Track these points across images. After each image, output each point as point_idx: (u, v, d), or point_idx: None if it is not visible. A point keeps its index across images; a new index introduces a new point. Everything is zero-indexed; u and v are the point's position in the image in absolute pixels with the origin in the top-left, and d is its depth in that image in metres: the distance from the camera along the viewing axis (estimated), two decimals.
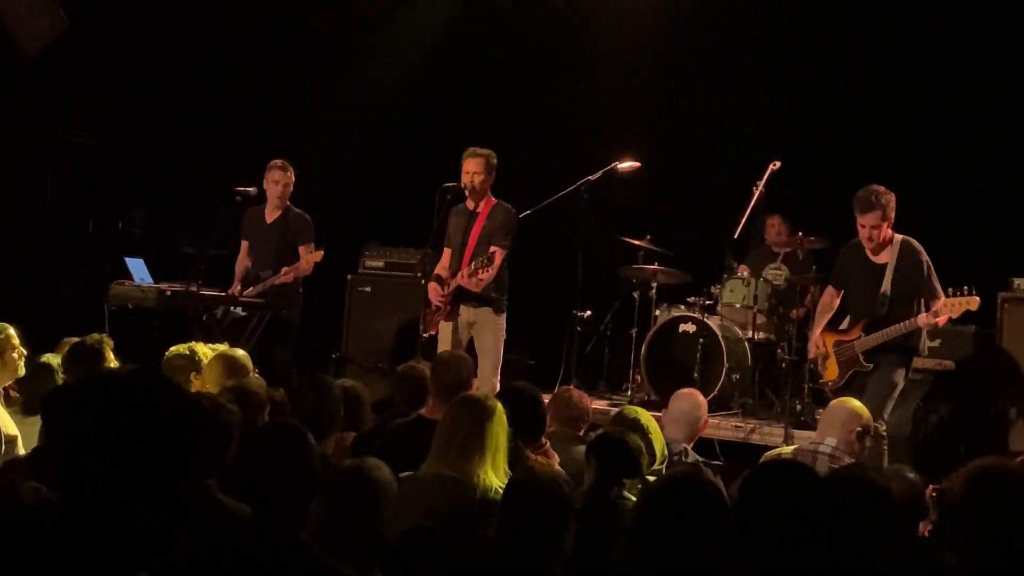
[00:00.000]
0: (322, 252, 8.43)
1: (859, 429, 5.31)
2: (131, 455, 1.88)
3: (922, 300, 6.87)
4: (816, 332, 7.29)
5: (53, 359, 5.80)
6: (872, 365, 6.93)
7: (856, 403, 5.62)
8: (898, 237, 6.95)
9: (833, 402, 5.91)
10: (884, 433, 6.77)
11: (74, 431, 1.92)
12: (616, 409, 8.62)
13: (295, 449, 3.20)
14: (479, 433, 4.35)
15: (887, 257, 6.94)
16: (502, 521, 3.51)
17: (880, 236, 6.88)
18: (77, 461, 1.90)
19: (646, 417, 5.30)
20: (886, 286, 6.90)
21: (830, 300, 7.32)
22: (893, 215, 6.87)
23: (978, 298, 6.62)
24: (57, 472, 1.92)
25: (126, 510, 1.88)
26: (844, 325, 7.19)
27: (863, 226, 6.90)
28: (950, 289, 6.69)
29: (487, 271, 7.45)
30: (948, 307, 6.65)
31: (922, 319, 6.75)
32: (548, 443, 5.17)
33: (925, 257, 6.91)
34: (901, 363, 6.95)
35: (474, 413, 4.41)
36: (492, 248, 7.53)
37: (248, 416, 4.28)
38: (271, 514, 3.09)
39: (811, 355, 7.38)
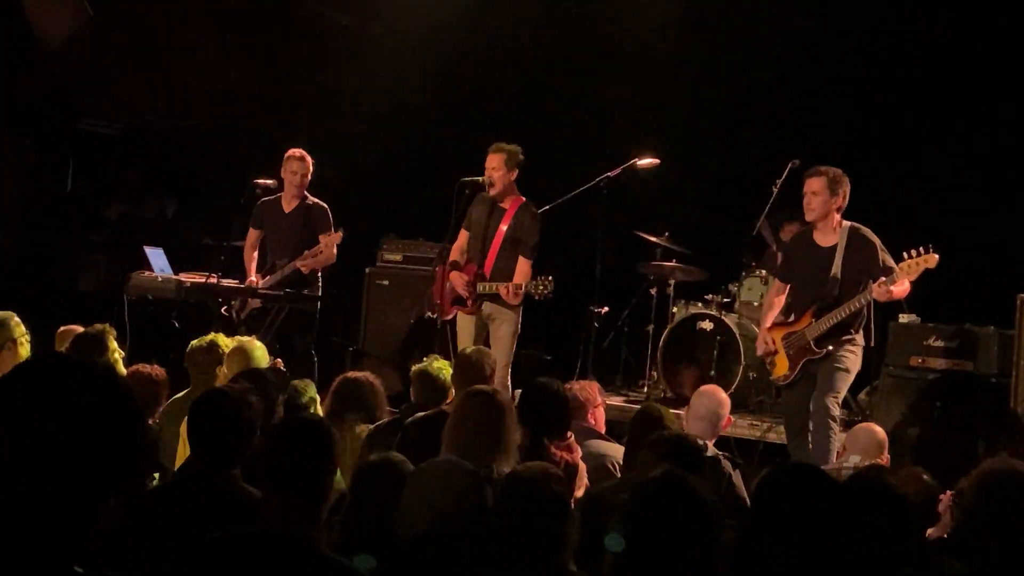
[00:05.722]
0: (341, 233, 8.38)
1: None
2: (47, 447, 1.84)
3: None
4: (764, 328, 7.15)
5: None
6: (823, 351, 6.75)
7: (880, 430, 5.62)
8: (847, 223, 6.82)
9: (858, 425, 5.89)
10: (838, 418, 6.72)
11: None
12: (634, 405, 8.69)
13: (318, 445, 3.21)
14: (488, 426, 4.35)
15: (835, 240, 6.80)
16: (498, 522, 3.51)
17: (817, 205, 6.75)
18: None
19: (669, 416, 5.31)
20: (836, 269, 6.73)
21: (776, 296, 7.19)
22: (842, 199, 6.75)
23: (936, 256, 6.36)
24: None
25: (51, 504, 1.84)
26: (791, 317, 7.01)
27: (804, 193, 6.83)
28: (904, 253, 6.47)
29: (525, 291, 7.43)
30: (905, 270, 6.42)
31: (876, 289, 6.49)
32: (572, 436, 5.18)
33: (876, 239, 6.75)
34: (854, 347, 6.78)
35: (482, 407, 4.41)
36: (526, 267, 7.53)
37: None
38: (283, 507, 3.10)
39: (760, 352, 7.25)
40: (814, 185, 6.79)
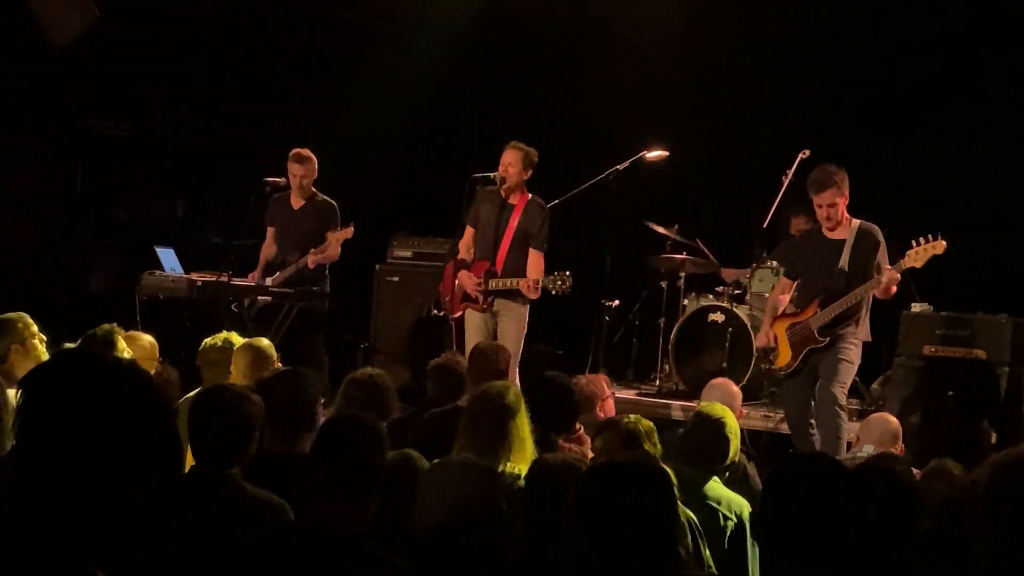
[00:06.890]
0: (352, 228, 8.37)
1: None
2: (76, 443, 1.79)
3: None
4: (767, 324, 7.24)
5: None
6: (826, 340, 6.82)
7: (894, 420, 5.61)
8: (856, 220, 6.89)
9: (872, 415, 5.90)
10: (845, 407, 6.78)
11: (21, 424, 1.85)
12: (646, 399, 8.69)
13: (366, 442, 3.19)
14: (499, 425, 4.34)
15: (844, 234, 6.88)
16: (525, 514, 3.51)
17: (838, 214, 6.82)
18: (25, 458, 1.83)
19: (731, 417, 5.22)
20: (844, 262, 6.82)
21: (781, 293, 7.26)
22: (848, 193, 6.81)
23: (944, 242, 6.46)
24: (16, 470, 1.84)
25: (79, 502, 1.80)
26: (796, 309, 7.08)
27: (819, 206, 6.86)
28: (912, 241, 6.57)
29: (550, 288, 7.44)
30: (913, 257, 6.53)
31: (886, 274, 6.58)
32: (582, 429, 5.17)
33: (881, 238, 6.85)
34: (855, 340, 6.85)
35: (493, 404, 4.40)
36: (537, 258, 7.55)
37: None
38: (330, 506, 3.08)
39: (759, 344, 7.32)
40: (827, 198, 6.80)
